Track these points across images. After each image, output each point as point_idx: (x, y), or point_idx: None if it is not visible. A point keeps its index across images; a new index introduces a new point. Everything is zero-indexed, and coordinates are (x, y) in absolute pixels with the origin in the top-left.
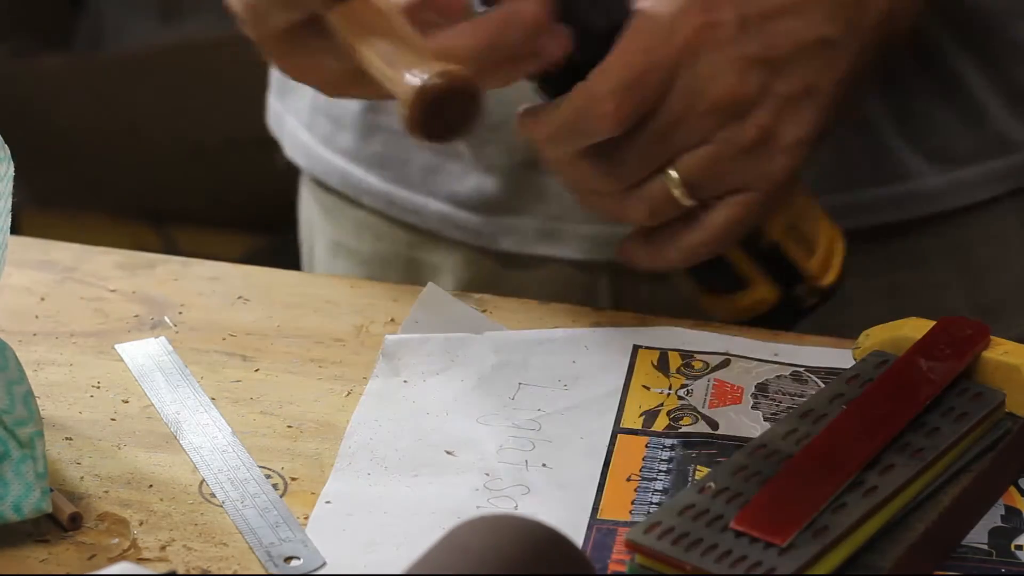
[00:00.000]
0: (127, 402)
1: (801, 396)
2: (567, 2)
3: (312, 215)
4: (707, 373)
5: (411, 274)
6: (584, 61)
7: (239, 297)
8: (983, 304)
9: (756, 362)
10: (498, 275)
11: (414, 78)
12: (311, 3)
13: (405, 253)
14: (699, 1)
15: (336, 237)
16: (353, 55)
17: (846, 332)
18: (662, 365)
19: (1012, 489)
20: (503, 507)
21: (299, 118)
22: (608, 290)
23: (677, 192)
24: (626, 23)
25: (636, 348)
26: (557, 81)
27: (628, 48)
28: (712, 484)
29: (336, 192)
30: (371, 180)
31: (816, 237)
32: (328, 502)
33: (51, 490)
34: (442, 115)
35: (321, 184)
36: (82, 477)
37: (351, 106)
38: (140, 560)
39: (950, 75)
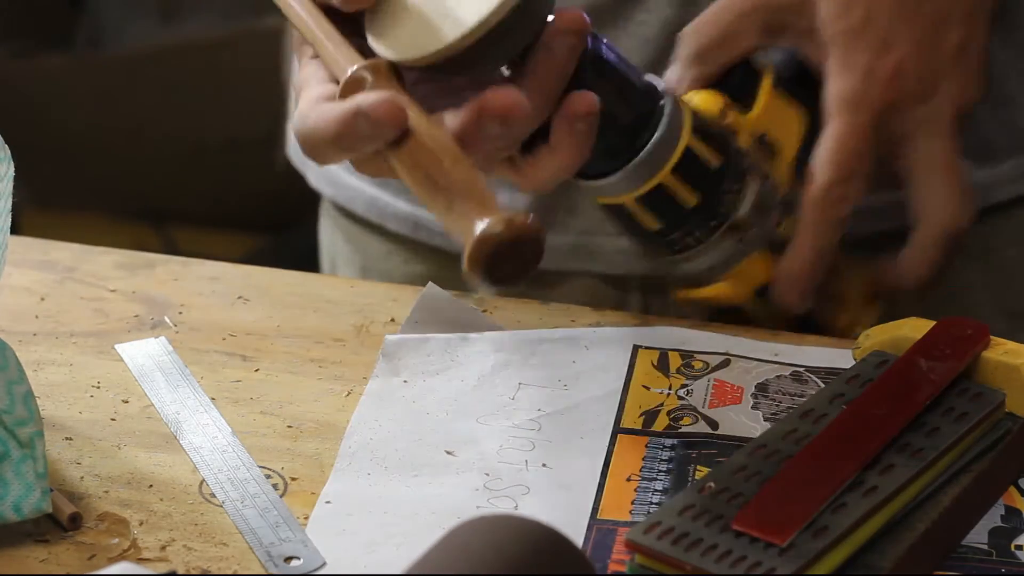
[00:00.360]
0: (127, 402)
1: (801, 396)
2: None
3: (335, 243)
4: (707, 373)
5: None
6: (612, 147)
7: (239, 297)
8: (1014, 309)
9: (756, 362)
10: (528, 293)
11: (474, 227)
12: (364, 147)
13: (435, 273)
14: (872, 47)
15: (365, 263)
16: (413, 192)
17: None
18: (662, 365)
19: (1012, 489)
20: (503, 507)
21: None
22: (639, 305)
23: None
24: (653, 112)
25: (636, 348)
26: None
27: (837, 140)
28: (712, 484)
29: (361, 219)
30: (398, 204)
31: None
32: (328, 502)
33: (51, 490)
34: (505, 260)
35: (345, 212)
36: (82, 477)
37: None
38: (140, 560)
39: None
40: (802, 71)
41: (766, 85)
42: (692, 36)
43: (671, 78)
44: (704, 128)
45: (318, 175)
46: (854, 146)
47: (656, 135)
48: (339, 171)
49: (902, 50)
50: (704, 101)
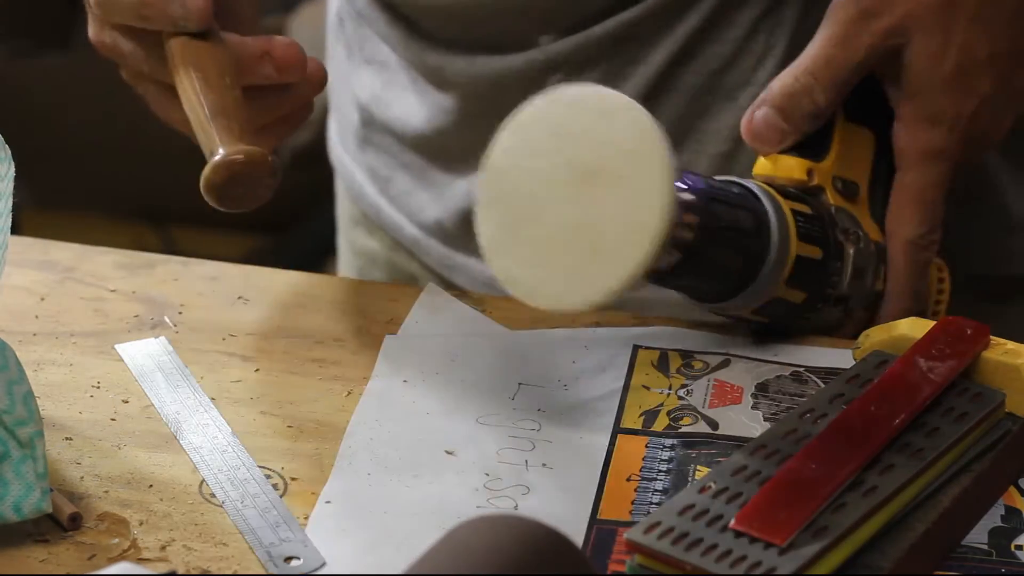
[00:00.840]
0: (127, 402)
1: (801, 396)
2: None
3: (340, 201)
4: (707, 373)
5: (393, 276)
6: (728, 282)
7: (239, 297)
8: None
9: (756, 362)
10: None
11: (217, 150)
12: (161, 24)
13: (388, 256)
14: (960, 96)
15: (342, 223)
16: (176, 87)
17: None
18: (662, 365)
19: (1012, 489)
20: (503, 507)
21: (331, 113)
22: None
23: None
24: (762, 235)
25: (636, 348)
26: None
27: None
28: (712, 484)
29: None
30: (366, 187)
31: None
32: (328, 502)
33: (51, 490)
34: (238, 186)
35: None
36: (82, 477)
37: (352, 116)
38: (140, 560)
39: None
40: (860, 92)
41: (840, 124)
42: (809, 96)
43: (764, 140)
44: (807, 230)
45: (331, 137)
46: (935, 197)
47: (768, 263)
48: (335, 137)
49: (982, 95)
50: (788, 168)
